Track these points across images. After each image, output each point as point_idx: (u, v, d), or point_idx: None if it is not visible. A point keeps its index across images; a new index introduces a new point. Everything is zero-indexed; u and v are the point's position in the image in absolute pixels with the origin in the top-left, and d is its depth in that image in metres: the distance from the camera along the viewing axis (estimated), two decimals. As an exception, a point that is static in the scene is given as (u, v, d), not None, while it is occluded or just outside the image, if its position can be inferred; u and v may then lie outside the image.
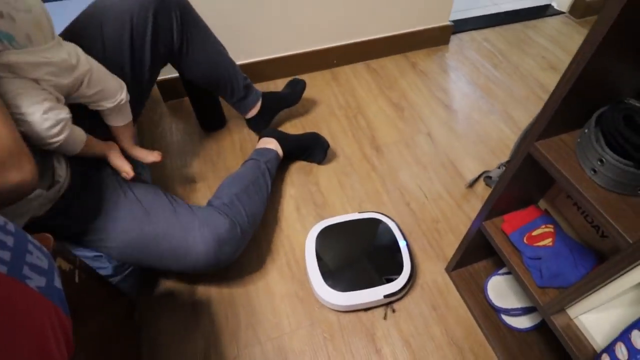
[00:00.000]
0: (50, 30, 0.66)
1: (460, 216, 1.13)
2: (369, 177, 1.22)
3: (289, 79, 1.36)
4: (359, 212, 1.06)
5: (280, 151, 1.16)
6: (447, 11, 1.65)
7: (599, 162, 0.50)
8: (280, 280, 0.99)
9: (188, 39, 0.99)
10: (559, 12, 1.94)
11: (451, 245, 1.04)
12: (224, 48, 1.12)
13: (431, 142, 1.33)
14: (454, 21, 1.74)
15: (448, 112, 1.44)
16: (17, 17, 0.59)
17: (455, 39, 1.78)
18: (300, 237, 1.07)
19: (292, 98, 1.33)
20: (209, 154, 1.29)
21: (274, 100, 1.29)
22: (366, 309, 0.93)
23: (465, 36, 1.80)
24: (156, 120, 1.42)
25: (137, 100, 0.94)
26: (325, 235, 1.00)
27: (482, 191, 1.19)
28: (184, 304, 0.95)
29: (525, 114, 1.42)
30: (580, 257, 0.64)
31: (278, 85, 1.54)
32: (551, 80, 1.56)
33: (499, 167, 1.19)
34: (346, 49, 1.59)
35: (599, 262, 0.64)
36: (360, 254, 0.96)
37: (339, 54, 1.60)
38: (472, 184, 1.20)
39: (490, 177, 1.18)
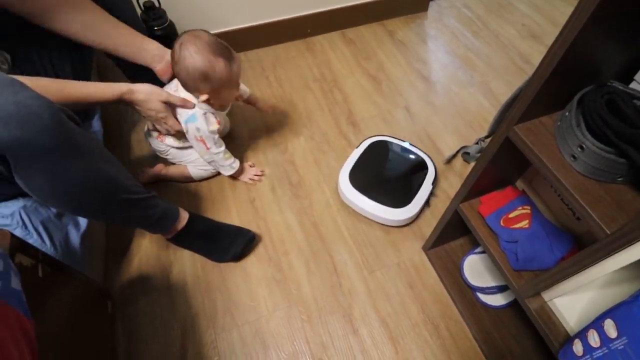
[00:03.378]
0: None
1: (438, 194, 1.11)
2: (346, 154, 1.18)
3: (262, 49, 1.26)
4: (411, 144, 1.14)
5: (185, 214, 0.92)
6: (426, -25, 1.57)
7: (579, 149, 0.47)
8: (257, 263, 0.96)
9: None
10: (540, -23, 1.88)
11: (428, 224, 1.04)
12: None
13: (409, 117, 1.30)
14: (433, -14, 1.66)
15: (426, 84, 1.40)
16: None
17: (434, 5, 1.71)
18: (276, 217, 1.04)
19: None
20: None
21: None
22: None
23: (444, 2, 1.73)
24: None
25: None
26: (374, 148, 1.12)
27: (460, 167, 1.18)
28: (159, 290, 0.92)
29: (504, 86, 1.40)
30: (556, 240, 0.64)
31: (249, 56, 1.45)
32: (531, 50, 1.53)
33: (476, 143, 1.18)
34: (321, 17, 1.50)
35: (575, 245, 0.64)
36: (387, 176, 1.09)
37: (313, 23, 1.51)
38: (449, 160, 1.18)
39: (468, 154, 1.16)
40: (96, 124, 1.00)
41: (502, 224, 0.70)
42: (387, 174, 1.09)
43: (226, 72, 0.85)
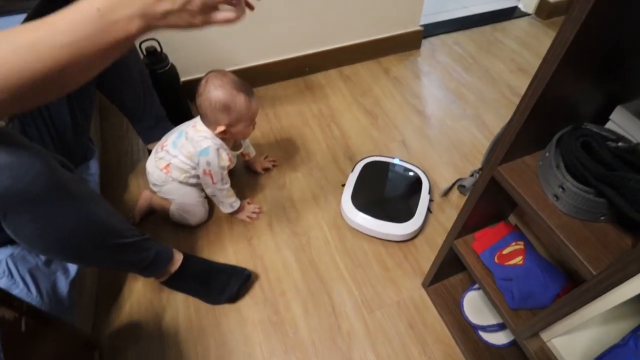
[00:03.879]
0: None
1: (435, 227, 1.11)
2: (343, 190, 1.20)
3: (262, 87, 1.31)
4: (401, 160, 1.22)
5: (179, 255, 0.92)
6: (417, 16, 1.64)
7: (560, 189, 0.48)
8: (253, 305, 0.95)
9: None
10: (526, 14, 1.96)
11: (427, 259, 1.03)
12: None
13: (405, 150, 1.32)
14: (424, 25, 1.73)
15: (421, 118, 1.43)
16: None
17: (426, 43, 1.78)
18: (273, 255, 1.04)
19: None
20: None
21: None
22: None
23: (436, 40, 1.80)
24: (122, 135, 1.36)
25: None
26: (368, 168, 1.18)
27: (457, 200, 1.18)
28: (150, 337, 0.90)
29: (497, 118, 1.43)
30: (550, 277, 0.63)
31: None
32: (521, 83, 1.57)
33: (472, 175, 1.19)
34: (318, 56, 1.56)
35: (569, 281, 0.64)
36: (387, 193, 1.14)
37: (312, 62, 1.57)
38: (446, 193, 1.19)
39: (464, 186, 1.17)
40: (93, 165, 1.02)
41: (496, 260, 0.70)
42: (386, 192, 1.15)
43: (246, 106, 0.91)
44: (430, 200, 1.14)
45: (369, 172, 1.18)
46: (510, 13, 1.97)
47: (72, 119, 0.90)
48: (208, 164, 0.95)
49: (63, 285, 0.76)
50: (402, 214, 1.07)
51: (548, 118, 0.52)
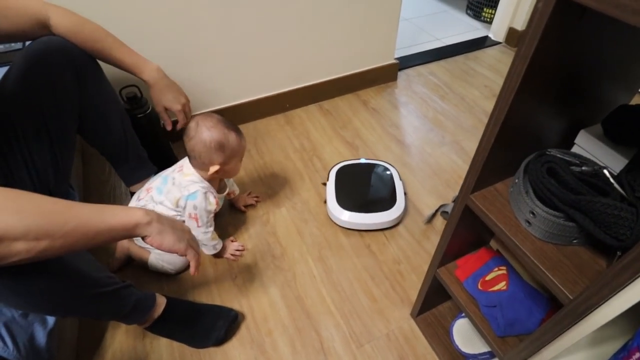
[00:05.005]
0: None
1: (421, 254, 1.11)
2: (328, 221, 1.20)
3: (243, 125, 1.33)
4: (366, 159, 1.33)
5: (162, 299, 0.90)
6: (392, 49, 1.71)
7: (531, 214, 0.49)
8: (239, 346, 0.92)
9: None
10: (496, 43, 2.07)
11: (414, 287, 1.02)
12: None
13: (387, 180, 1.33)
14: (400, 58, 1.80)
15: (401, 147, 1.46)
16: None
17: (402, 75, 1.84)
18: (259, 293, 1.02)
19: None
20: (160, 212, 1.23)
21: None
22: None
23: (411, 71, 1.87)
24: (104, 179, 1.35)
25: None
26: (340, 175, 1.26)
27: (441, 226, 1.19)
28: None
29: (475, 143, 1.43)
30: (534, 302, 0.63)
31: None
32: (496, 108, 1.63)
33: (454, 201, 1.20)
34: (298, 92, 1.60)
35: (553, 305, 0.63)
36: (365, 188, 1.24)
37: (292, 98, 1.61)
38: (430, 220, 1.19)
39: (447, 212, 1.18)
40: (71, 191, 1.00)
41: (480, 287, 0.69)
42: (364, 188, 1.25)
43: (237, 142, 0.94)
44: (404, 190, 1.25)
45: (343, 176, 1.26)
46: (481, 42, 2.07)
47: (53, 163, 0.89)
48: (195, 207, 0.94)
49: (41, 337, 0.73)
50: (386, 203, 1.17)
51: (514, 145, 0.53)
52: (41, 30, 0.82)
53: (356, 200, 1.18)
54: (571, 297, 0.44)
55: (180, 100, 1.03)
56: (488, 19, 2.22)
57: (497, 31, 2.07)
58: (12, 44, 1.03)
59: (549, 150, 0.51)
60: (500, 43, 2.06)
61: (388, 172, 1.27)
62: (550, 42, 0.40)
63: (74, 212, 0.56)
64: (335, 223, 1.18)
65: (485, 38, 2.11)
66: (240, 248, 1.10)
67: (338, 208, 1.15)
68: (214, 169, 0.93)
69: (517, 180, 0.53)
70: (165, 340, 0.92)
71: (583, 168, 0.49)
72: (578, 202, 0.44)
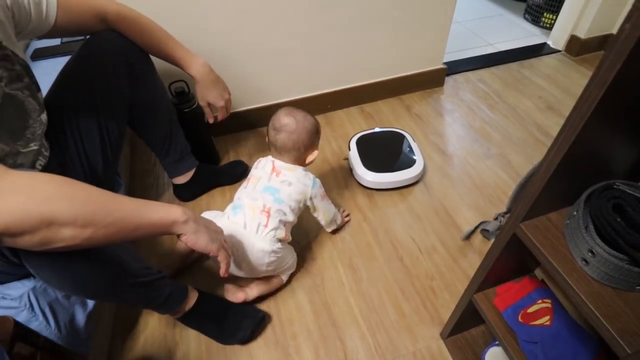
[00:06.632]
0: None
1: (456, 272, 1.06)
2: (360, 228, 1.18)
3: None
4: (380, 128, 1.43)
5: (194, 293, 0.90)
6: (441, 54, 1.65)
7: (589, 253, 0.45)
8: (264, 347, 0.92)
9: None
10: (555, 51, 1.93)
11: (447, 306, 0.98)
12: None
13: (425, 190, 1.29)
14: (448, 63, 1.73)
15: (443, 157, 1.41)
16: None
17: (450, 81, 1.77)
18: (286, 295, 1.02)
19: (228, 178, 1.31)
20: (198, 203, 1.26)
21: (208, 173, 1.27)
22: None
23: (460, 77, 1.79)
24: (149, 169, 1.40)
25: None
26: (360, 144, 1.36)
27: (480, 244, 1.13)
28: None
29: (523, 158, 1.38)
30: (581, 343, 0.58)
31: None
32: (549, 122, 1.53)
33: (496, 218, 1.14)
34: (340, 94, 1.58)
35: (602, 350, 0.58)
36: (387, 152, 1.35)
37: (334, 99, 1.59)
38: (468, 236, 1.14)
39: (487, 230, 1.12)
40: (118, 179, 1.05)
41: (520, 319, 0.65)
42: (386, 153, 1.34)
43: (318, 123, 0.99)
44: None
45: (363, 144, 1.35)
46: (538, 50, 1.95)
47: (103, 152, 0.93)
48: (321, 187, 1.00)
49: (81, 318, 0.77)
50: (408, 162, 1.29)
51: (576, 174, 0.49)
52: (100, 24, 0.86)
53: (381, 164, 1.28)
54: (629, 352, 0.40)
55: (224, 96, 1.04)
56: (548, 25, 2.08)
57: (557, 38, 1.94)
58: (74, 36, 1.08)
59: (616, 183, 0.46)
60: (559, 51, 1.93)
61: (401, 136, 1.38)
62: (634, 69, 0.35)
63: (118, 204, 0.59)
64: (363, 185, 1.29)
65: (543, 45, 1.98)
66: (342, 211, 1.18)
67: (366, 171, 1.26)
68: (314, 154, 0.98)
69: (575, 213, 0.48)
70: (194, 333, 0.94)
71: (655, 207, 0.43)
72: (648, 246, 0.39)
